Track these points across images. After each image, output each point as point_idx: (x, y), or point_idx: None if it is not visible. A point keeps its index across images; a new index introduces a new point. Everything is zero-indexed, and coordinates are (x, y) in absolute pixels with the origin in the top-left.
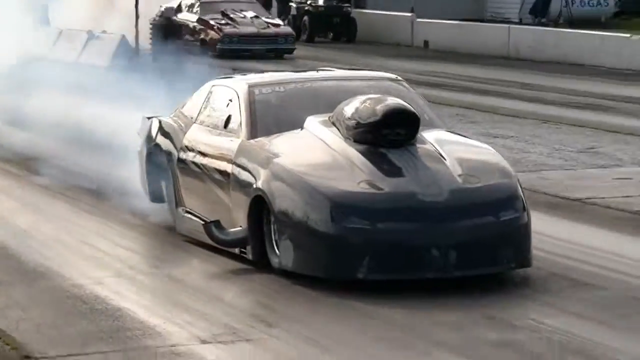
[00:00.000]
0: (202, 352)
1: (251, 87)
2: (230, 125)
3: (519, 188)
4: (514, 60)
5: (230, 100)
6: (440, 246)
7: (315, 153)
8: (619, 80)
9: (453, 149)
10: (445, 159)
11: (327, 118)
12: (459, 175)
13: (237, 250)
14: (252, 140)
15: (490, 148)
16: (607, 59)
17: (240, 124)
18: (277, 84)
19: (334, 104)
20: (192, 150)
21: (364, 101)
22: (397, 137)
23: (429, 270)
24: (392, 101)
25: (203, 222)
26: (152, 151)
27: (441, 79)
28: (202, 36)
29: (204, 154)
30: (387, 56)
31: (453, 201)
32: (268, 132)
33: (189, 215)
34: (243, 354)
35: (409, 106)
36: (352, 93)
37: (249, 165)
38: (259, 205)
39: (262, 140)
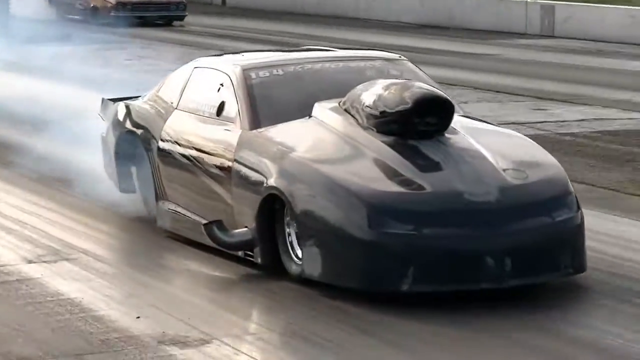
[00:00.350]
0: (28, 271)
1: (245, 70)
2: (225, 113)
3: (569, 182)
4: (300, 16)
5: (222, 85)
6: (494, 253)
7: (335, 146)
8: (389, 31)
9: (489, 138)
10: (484, 152)
11: (337, 104)
12: (504, 170)
13: (240, 253)
14: (254, 131)
15: (524, 136)
16: (379, 12)
17: (238, 112)
18: (273, 66)
19: (341, 88)
20: (177, 139)
21: (388, 87)
22: (428, 127)
23: (482, 280)
24: (422, 87)
25: (204, 223)
26: (123, 138)
27: (237, 32)
28: (92, 4)
29: (193, 145)
30: (189, 13)
31: (504, 201)
32: (271, 121)
33: (174, 210)
34: (65, 271)
35: (441, 92)
36: (358, 75)
37: (256, 160)
38: (271, 205)
39: (267, 131)
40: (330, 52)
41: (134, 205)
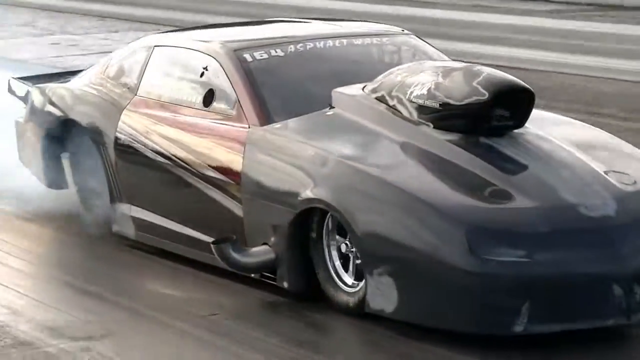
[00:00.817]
0: None
1: (237, 50)
2: (217, 104)
3: None
4: None
5: (206, 69)
6: (622, 280)
7: (389, 146)
8: None
9: (562, 131)
10: (573, 150)
11: (362, 92)
12: (605, 173)
13: (252, 274)
14: (268, 128)
15: (592, 126)
16: None
17: (239, 103)
18: (268, 45)
19: (352, 70)
20: (144, 132)
21: (447, 73)
22: (500, 122)
23: (609, 314)
24: (494, 73)
25: (212, 242)
26: (56, 127)
27: None
28: None
29: (173, 140)
30: None
31: (624, 213)
32: (283, 114)
33: (142, 218)
34: None
35: (517, 79)
36: (367, 53)
37: (284, 165)
38: (306, 221)
39: (285, 127)
40: (326, 26)
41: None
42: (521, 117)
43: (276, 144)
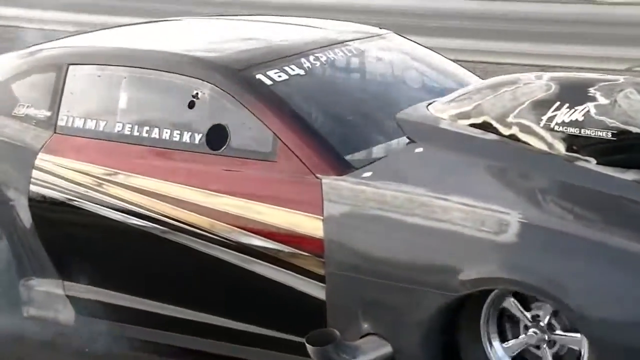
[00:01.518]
0: None
1: (242, 71)
2: (235, 147)
3: None
4: None
5: (196, 97)
6: None
7: (567, 195)
8: None
9: None
10: None
11: (433, 114)
12: None
13: None
14: (355, 178)
15: None
16: None
17: (286, 146)
18: (275, 60)
19: (394, 86)
20: (91, 184)
21: (612, 91)
22: None
23: None
24: None
25: (307, 339)
26: None
27: None
28: None
29: (161, 196)
30: None
31: None
32: (355, 157)
33: (97, 297)
34: None
35: None
36: (389, 63)
37: (407, 230)
38: (457, 306)
39: (379, 176)
40: (293, 27)
41: None
42: None
43: (385, 202)
